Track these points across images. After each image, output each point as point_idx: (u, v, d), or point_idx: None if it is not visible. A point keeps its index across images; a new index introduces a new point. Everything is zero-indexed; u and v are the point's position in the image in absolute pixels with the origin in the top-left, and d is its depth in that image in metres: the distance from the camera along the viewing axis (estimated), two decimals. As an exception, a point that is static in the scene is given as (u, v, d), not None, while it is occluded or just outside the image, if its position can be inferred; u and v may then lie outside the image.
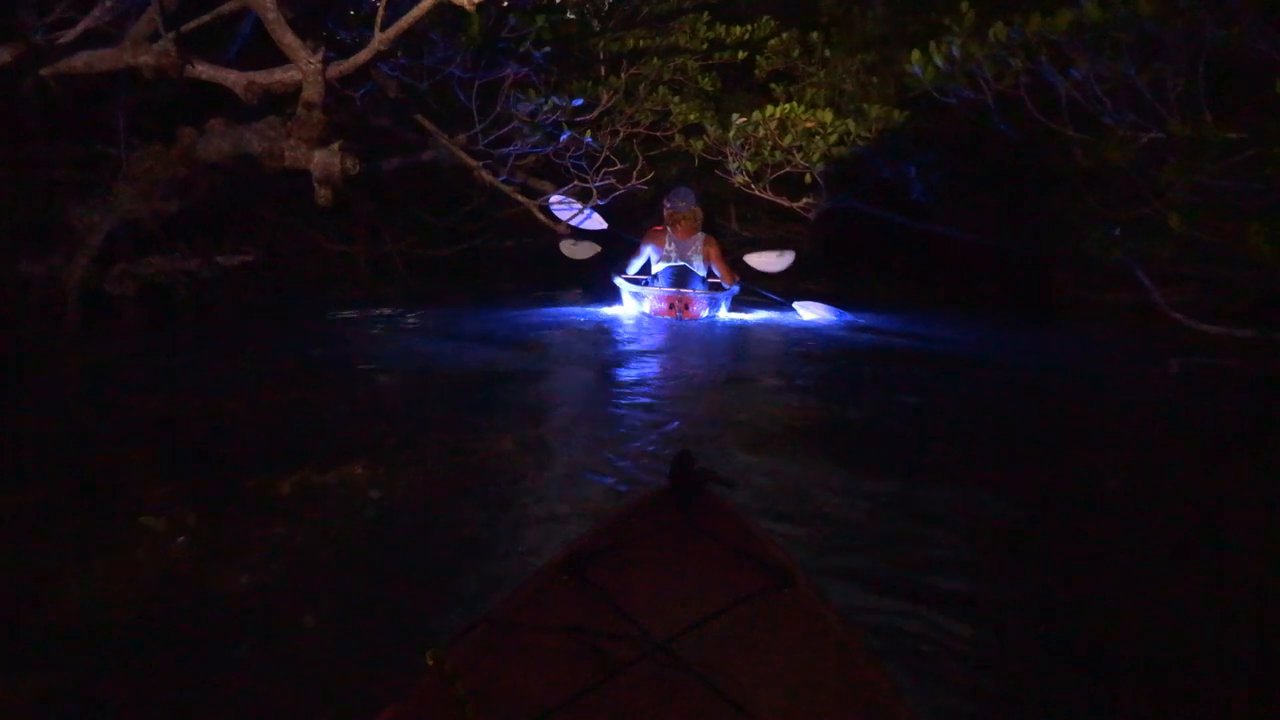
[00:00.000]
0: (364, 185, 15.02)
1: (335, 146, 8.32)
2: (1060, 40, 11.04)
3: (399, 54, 10.06)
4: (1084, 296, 13.80)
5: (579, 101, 14.15)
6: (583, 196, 13.44)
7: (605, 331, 11.77)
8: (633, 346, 10.56)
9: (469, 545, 3.94)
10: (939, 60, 11.88)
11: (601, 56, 15.55)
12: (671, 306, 12.34)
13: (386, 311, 12.85)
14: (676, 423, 6.23)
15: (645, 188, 13.72)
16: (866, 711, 1.74)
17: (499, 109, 12.75)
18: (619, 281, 13.66)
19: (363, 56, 8.29)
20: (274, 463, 4.85)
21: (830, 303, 13.57)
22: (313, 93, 8.12)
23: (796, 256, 14.91)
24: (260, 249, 11.69)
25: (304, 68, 8.04)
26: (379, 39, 8.14)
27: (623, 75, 15.08)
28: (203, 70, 8.16)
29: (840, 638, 1.98)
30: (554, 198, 13.76)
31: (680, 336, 11.47)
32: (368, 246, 15.75)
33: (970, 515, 4.53)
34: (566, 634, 1.92)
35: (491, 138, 13.49)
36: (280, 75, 8.21)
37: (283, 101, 9.49)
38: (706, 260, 13.60)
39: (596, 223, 13.85)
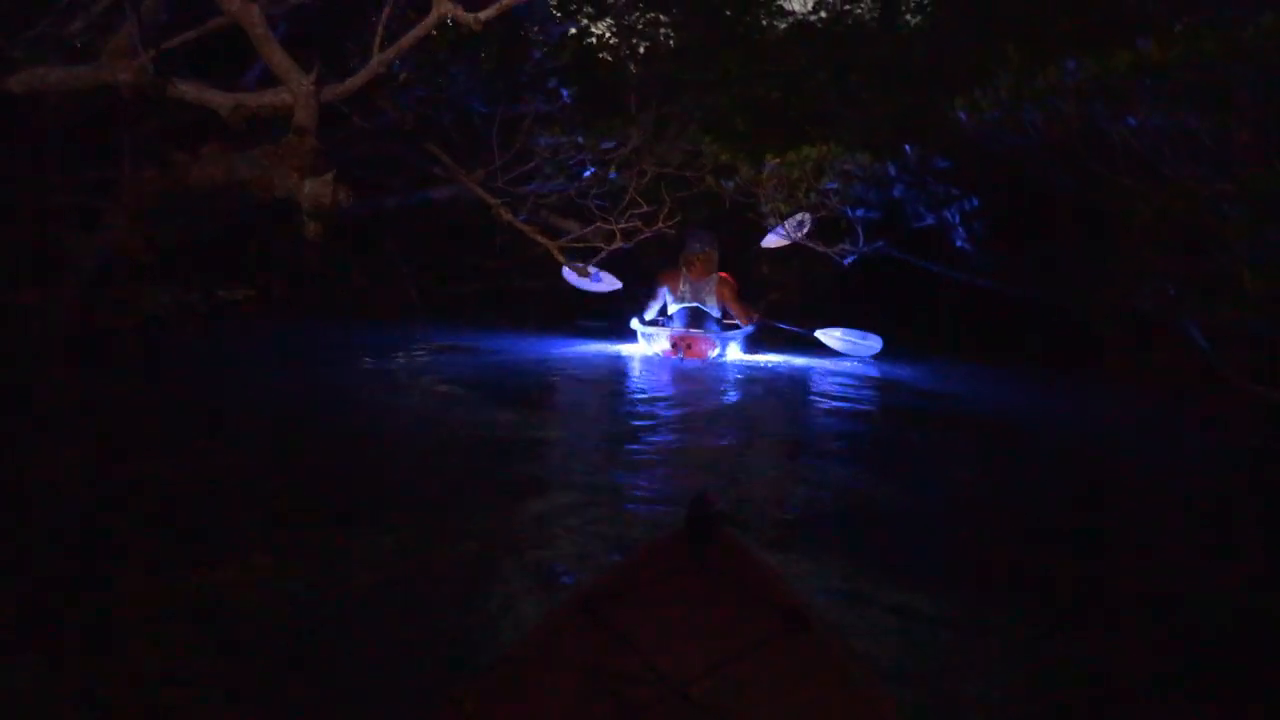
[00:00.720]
0: (385, 220, 14.29)
1: (329, 176, 7.47)
2: (1117, 85, 10.00)
3: (410, 80, 9.11)
4: (1132, 355, 12.57)
5: (611, 144, 13.32)
6: (607, 238, 12.53)
7: (617, 374, 11.37)
8: (642, 396, 9.87)
9: (485, 586, 3.83)
10: (985, 105, 10.88)
11: (632, 93, 14.66)
12: (675, 347, 12.14)
13: (398, 357, 11.93)
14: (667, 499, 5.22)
15: (672, 230, 12.85)
16: None
17: (518, 145, 11.95)
18: (634, 324, 13.28)
19: (360, 79, 7.46)
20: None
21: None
22: (305, 117, 7.29)
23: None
24: (261, 284, 10.95)
25: (295, 90, 7.21)
26: (377, 60, 7.31)
27: (653, 111, 14.21)
28: (186, 90, 7.34)
29: (857, 681, 1.96)
30: (565, 271, 13.06)
31: (689, 382, 10.90)
32: (388, 281, 14.94)
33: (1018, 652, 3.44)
34: (584, 675, 1.90)
35: (512, 174, 12.69)
36: (270, 98, 7.39)
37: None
38: (720, 300, 13.25)
39: (610, 283, 13.36)
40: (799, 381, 11.65)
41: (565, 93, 12.08)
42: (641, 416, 8.44)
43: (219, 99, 7.38)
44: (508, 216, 11.81)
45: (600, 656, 1.94)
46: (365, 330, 13.11)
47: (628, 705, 1.78)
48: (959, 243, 13.49)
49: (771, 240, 14.27)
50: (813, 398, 10.43)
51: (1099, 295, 12.63)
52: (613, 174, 12.55)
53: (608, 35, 21.29)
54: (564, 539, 4.47)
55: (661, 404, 9.34)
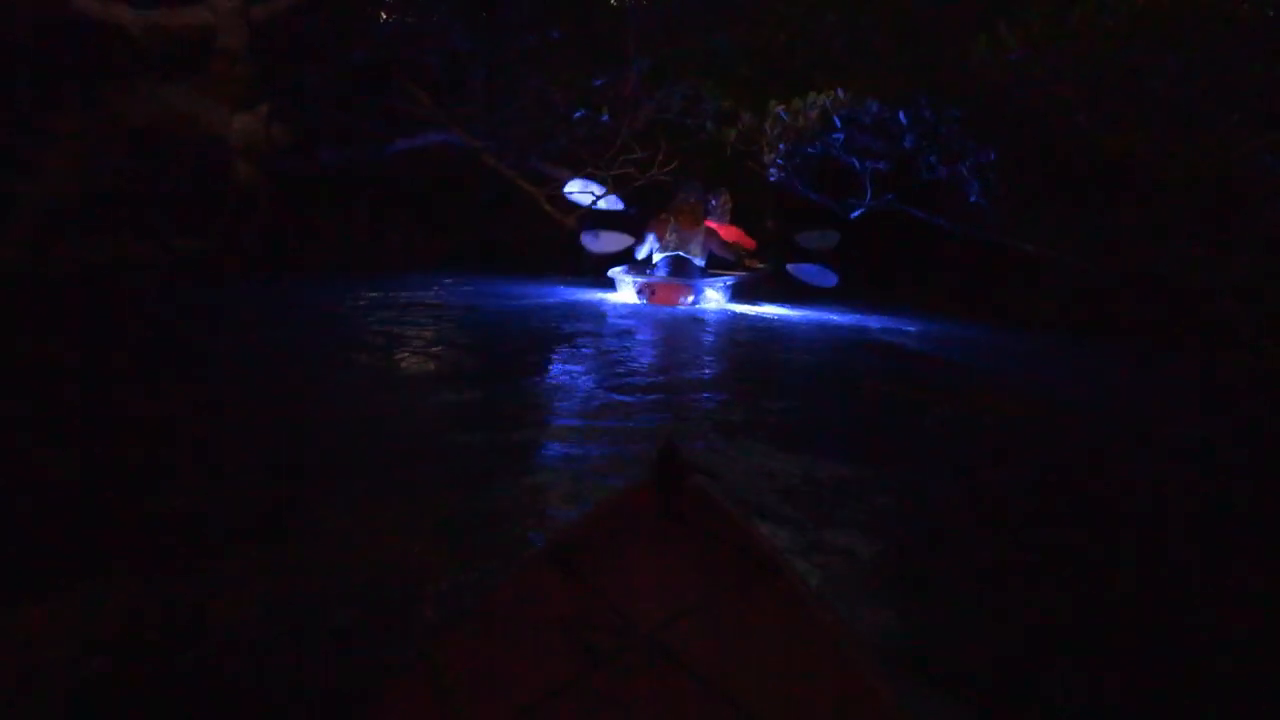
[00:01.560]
0: (365, 169, 12.95)
1: (262, 110, 6.18)
2: (1160, 25, 8.62)
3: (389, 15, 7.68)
4: (1151, 318, 11.23)
5: (600, 82, 11.95)
6: (599, 184, 11.22)
7: (593, 320, 10.54)
8: (610, 345, 9.05)
9: (450, 532, 3.61)
10: (1011, 44, 9.46)
11: (630, 35, 13.14)
12: (644, 292, 11.76)
13: (374, 296, 10.65)
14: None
15: (667, 178, 11.55)
16: (852, 696, 1.71)
17: (502, 84, 10.61)
18: (611, 272, 12.64)
19: (293, -5, 6.14)
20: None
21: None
22: (231, 38, 5.99)
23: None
24: (228, 237, 9.64)
25: (216, 5, 5.90)
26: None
27: (651, 52, 12.78)
28: (88, 5, 6.02)
29: (825, 624, 1.91)
30: (570, 185, 11.97)
31: (651, 330, 10.12)
32: (372, 232, 13.64)
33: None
34: (552, 625, 1.87)
35: (498, 117, 11.36)
36: (189, 16, 6.07)
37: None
38: (708, 249, 12.69)
39: (613, 203, 12.45)
40: (771, 330, 10.70)
41: (554, 31, 10.67)
42: (612, 364, 7.80)
43: (128, 17, 6.03)
44: (493, 162, 10.49)
45: (570, 606, 1.92)
46: (337, 287, 11.77)
47: (597, 653, 1.77)
48: (973, 198, 12.11)
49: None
50: (785, 348, 9.48)
51: (1119, 256, 11.29)
52: (604, 116, 11.20)
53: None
54: (531, 489, 4.17)
55: (622, 353, 8.67)
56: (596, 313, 11.24)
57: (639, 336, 9.74)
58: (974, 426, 6.42)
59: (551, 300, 11.96)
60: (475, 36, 11.37)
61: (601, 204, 12.15)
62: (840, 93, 12.47)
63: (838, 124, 12.09)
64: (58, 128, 7.43)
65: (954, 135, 11.59)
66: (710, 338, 10.29)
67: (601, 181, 10.98)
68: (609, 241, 12.54)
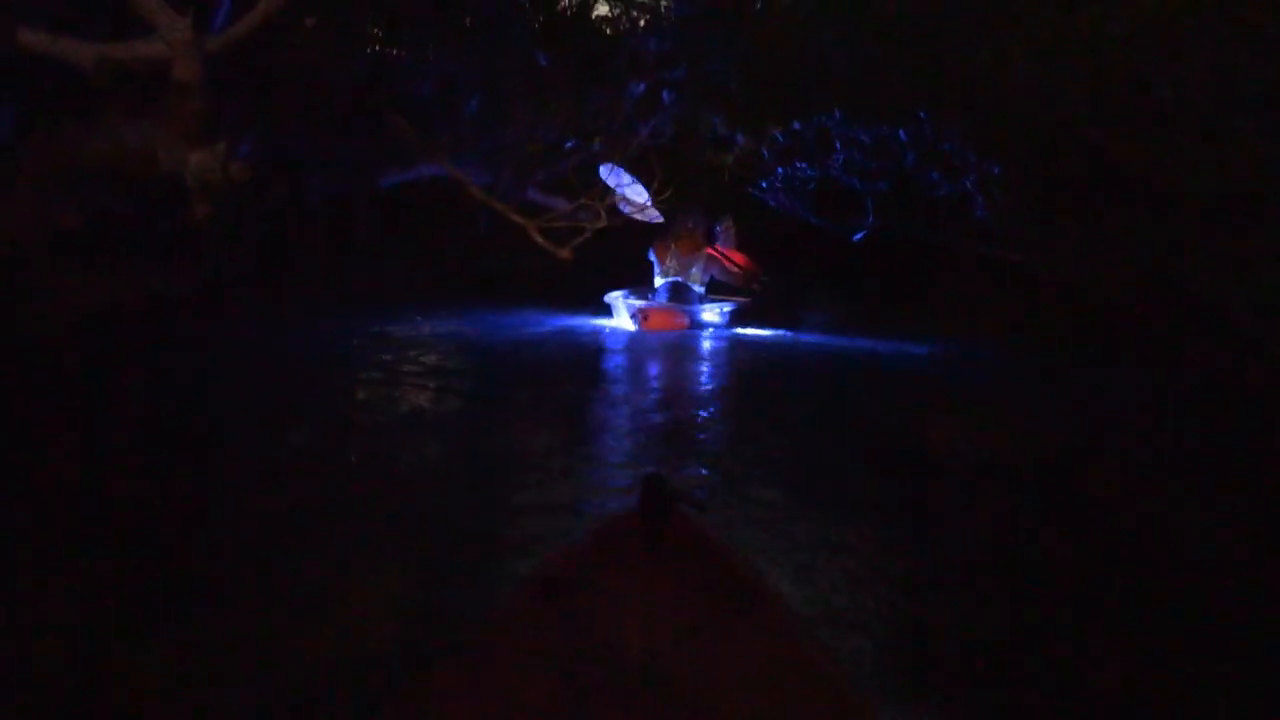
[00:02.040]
0: (357, 202, 12.43)
1: (219, 147, 5.65)
2: (1175, 29, 8.04)
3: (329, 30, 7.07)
4: (1175, 338, 10.49)
5: (592, 103, 11.43)
6: (590, 217, 10.65)
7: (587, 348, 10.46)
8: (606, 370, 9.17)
9: (438, 567, 3.61)
10: (1015, 54, 8.89)
11: (625, 62, 12.52)
12: (643, 320, 11.58)
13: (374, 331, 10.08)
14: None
15: (664, 206, 11.04)
16: None
17: (488, 112, 10.08)
18: (607, 298, 12.54)
19: (250, 21, 5.60)
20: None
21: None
22: (185, 70, 5.46)
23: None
24: (209, 276, 9.14)
25: (169, 36, 5.39)
26: (268, -3, 5.46)
27: (647, 78, 12.21)
28: (38, 41, 5.50)
29: (810, 651, 1.87)
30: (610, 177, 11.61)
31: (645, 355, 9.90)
32: (367, 264, 13.06)
33: None
34: (541, 657, 1.84)
35: (487, 147, 10.85)
36: (143, 48, 5.55)
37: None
38: (708, 274, 12.76)
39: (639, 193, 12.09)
40: (774, 357, 10.38)
41: (542, 57, 10.16)
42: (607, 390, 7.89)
43: (80, 50, 5.50)
44: (481, 195, 9.97)
45: (557, 638, 1.91)
46: (331, 325, 11.23)
47: (586, 685, 1.76)
48: (978, 212, 11.46)
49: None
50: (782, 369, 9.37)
51: (1132, 270, 10.63)
52: (596, 145, 10.67)
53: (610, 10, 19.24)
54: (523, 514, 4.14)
55: (621, 379, 8.74)
56: (594, 343, 10.74)
57: (636, 369, 9.24)
58: (987, 484, 5.74)
59: (549, 330, 11.46)
60: (465, 63, 10.86)
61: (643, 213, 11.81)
62: (838, 114, 11.93)
63: (837, 146, 11.55)
64: (9, 168, 6.91)
65: (957, 150, 10.99)
66: (707, 367, 9.75)
67: (593, 211, 10.42)
68: (629, 188, 11.81)
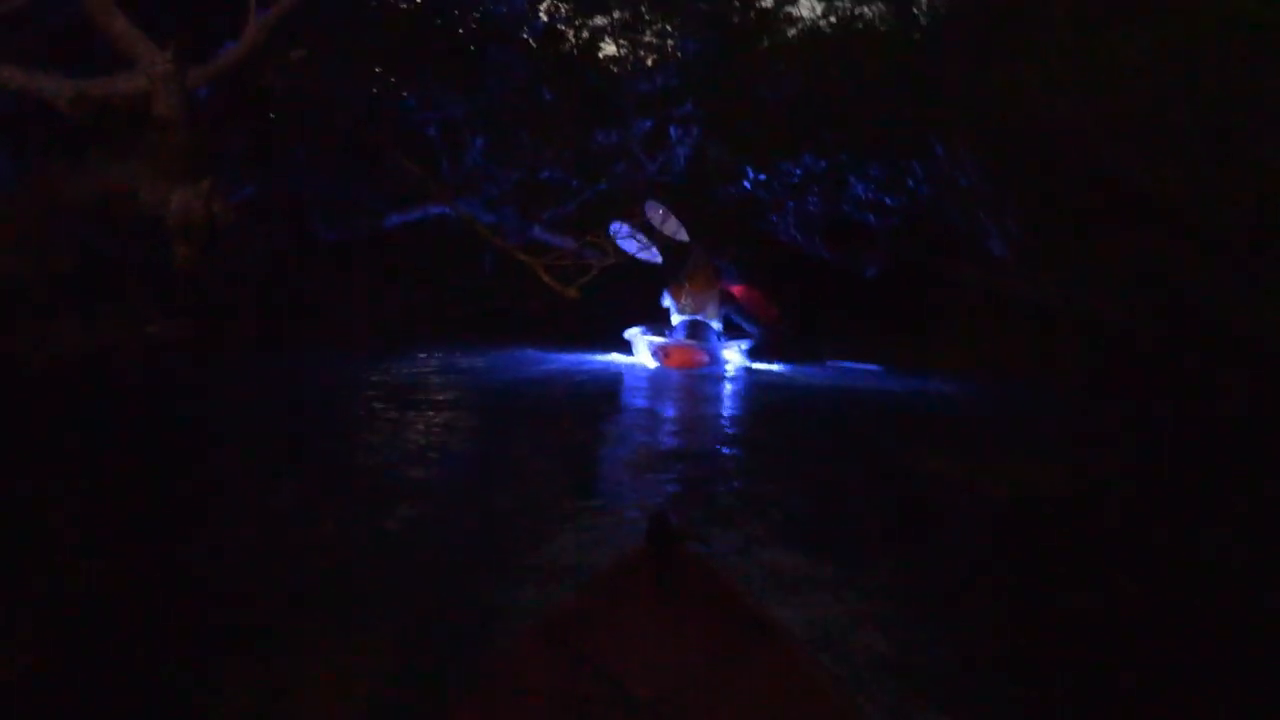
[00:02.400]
0: (360, 242, 12.08)
1: (203, 185, 5.26)
2: (1201, 51, 7.64)
3: (309, 61, 6.70)
4: (1204, 371, 9.89)
5: (599, 139, 11.09)
6: (597, 255, 10.27)
7: (608, 383, 10.15)
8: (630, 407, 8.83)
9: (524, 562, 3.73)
10: (1029, 81, 8.50)
11: (631, 98, 12.18)
12: (664, 357, 11.41)
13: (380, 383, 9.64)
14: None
15: (659, 255, 10.66)
16: None
17: (493, 150, 9.74)
18: (627, 334, 12.26)
19: (236, 53, 5.25)
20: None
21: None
22: (166, 105, 5.09)
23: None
24: (204, 316, 8.75)
25: (149, 70, 5.04)
26: (256, 25, 5.10)
27: (655, 114, 11.90)
28: (12, 76, 5.14)
29: (820, 685, 1.85)
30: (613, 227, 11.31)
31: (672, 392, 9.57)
32: (373, 302, 12.65)
33: None
34: (550, 700, 1.82)
35: (495, 187, 10.49)
36: (122, 83, 5.19)
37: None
38: (723, 311, 12.57)
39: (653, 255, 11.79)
40: (794, 394, 9.98)
41: (548, 93, 9.83)
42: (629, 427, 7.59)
43: (56, 86, 5.14)
44: (485, 233, 9.59)
45: (566, 680, 1.87)
46: (336, 366, 10.79)
47: None
48: (995, 250, 10.99)
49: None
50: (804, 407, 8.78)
51: (1156, 301, 10.12)
52: (601, 185, 10.31)
53: (617, 50, 19.02)
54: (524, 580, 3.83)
55: (643, 415, 8.45)
56: (611, 381, 10.29)
57: (655, 408, 8.76)
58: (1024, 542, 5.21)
59: (556, 368, 11.02)
60: (472, 102, 10.55)
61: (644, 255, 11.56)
62: (847, 148, 11.55)
63: (850, 179, 11.15)
64: (4, 210, 6.56)
65: (972, 183, 10.57)
66: (724, 409, 9.28)
67: (600, 249, 10.06)
68: (670, 224, 11.42)
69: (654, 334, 11.83)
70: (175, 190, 5.20)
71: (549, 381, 10.08)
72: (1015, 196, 10.13)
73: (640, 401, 9.19)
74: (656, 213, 11.52)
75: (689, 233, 11.53)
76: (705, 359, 11.50)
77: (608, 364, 11.49)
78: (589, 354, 12.09)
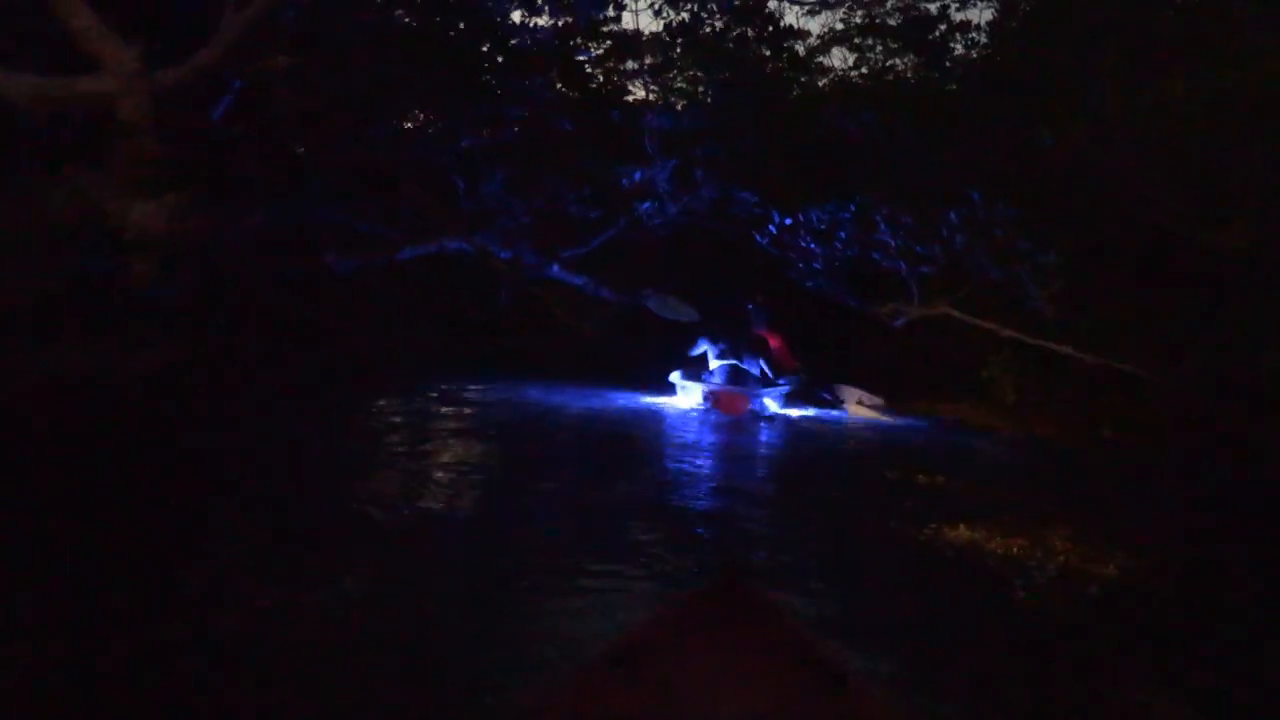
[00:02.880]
0: (370, 274, 11.49)
1: (168, 199, 4.65)
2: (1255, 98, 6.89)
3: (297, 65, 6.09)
4: (1260, 437, 8.96)
5: (625, 181, 10.47)
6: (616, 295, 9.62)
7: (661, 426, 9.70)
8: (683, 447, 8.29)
9: (514, 637, 3.38)
10: (1077, 128, 7.76)
11: (654, 135, 11.54)
12: (714, 402, 11.12)
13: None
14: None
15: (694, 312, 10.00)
16: None
17: (512, 182, 9.14)
18: (672, 377, 11.85)
19: (209, 55, 4.67)
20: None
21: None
22: (133, 109, 4.52)
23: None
24: (193, 342, 8.15)
25: (116, 70, 4.46)
26: (228, 25, 4.51)
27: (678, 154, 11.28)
28: (-35, 76, 4.58)
29: None
30: (650, 301, 11.68)
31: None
32: (385, 334, 12.01)
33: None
34: None
35: (512, 222, 9.90)
36: (87, 84, 4.63)
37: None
38: (760, 358, 12.00)
39: (689, 314, 12.15)
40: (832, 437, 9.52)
41: (568, 123, 9.26)
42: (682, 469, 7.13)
43: (14, 86, 4.55)
44: (503, 267, 8.97)
45: (632, 709, 1.81)
46: (344, 402, 10.12)
47: None
48: (1034, 303, 10.16)
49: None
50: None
51: (1206, 362, 9.27)
52: (621, 223, 9.68)
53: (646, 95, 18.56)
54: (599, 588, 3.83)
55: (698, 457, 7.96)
56: (636, 425, 9.72)
57: (682, 460, 7.97)
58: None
59: (583, 408, 10.28)
60: (494, 135, 10.00)
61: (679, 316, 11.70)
62: (878, 195, 10.84)
63: (881, 227, 10.43)
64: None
65: (1009, 234, 9.81)
66: (763, 458, 8.54)
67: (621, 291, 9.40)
68: (673, 308, 11.64)
69: (696, 379, 11.65)
70: (136, 201, 4.56)
71: (568, 425, 9.35)
72: (1056, 250, 9.33)
73: (668, 451, 8.44)
74: (661, 302, 11.54)
75: (697, 309, 11.50)
76: (749, 405, 11.36)
77: (635, 405, 10.84)
78: (614, 394, 11.40)
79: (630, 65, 15.63)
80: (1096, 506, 7.14)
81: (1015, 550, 5.37)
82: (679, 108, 17.93)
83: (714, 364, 12.04)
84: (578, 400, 10.55)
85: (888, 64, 18.99)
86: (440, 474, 6.48)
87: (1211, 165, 6.83)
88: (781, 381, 11.91)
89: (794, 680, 1.92)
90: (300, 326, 10.89)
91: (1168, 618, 4.60)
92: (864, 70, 19.17)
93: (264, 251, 10.56)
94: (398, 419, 9.07)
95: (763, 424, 10.63)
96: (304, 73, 9.03)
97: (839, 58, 19.80)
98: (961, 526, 5.76)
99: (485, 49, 10.99)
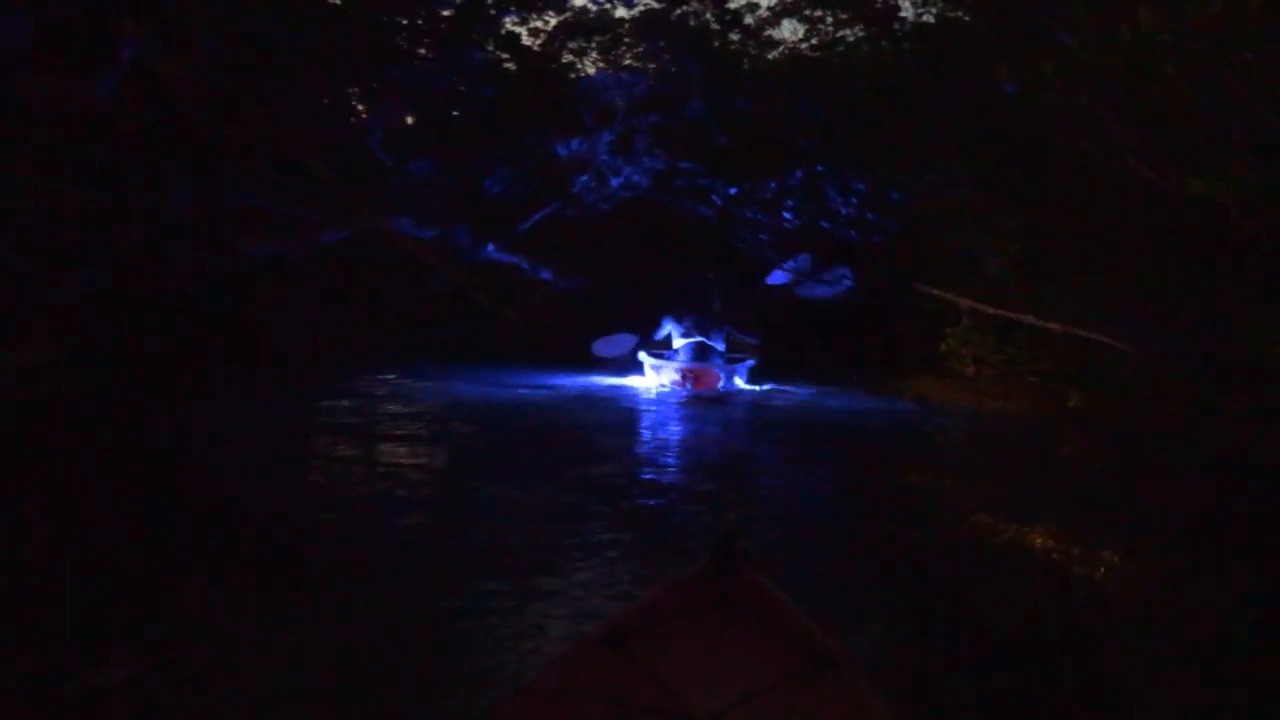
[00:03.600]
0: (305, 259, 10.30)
1: None
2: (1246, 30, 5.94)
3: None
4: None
5: (566, 149, 9.36)
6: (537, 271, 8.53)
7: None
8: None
9: (505, 610, 3.26)
10: (1049, 73, 6.72)
11: (586, 100, 10.33)
12: (683, 379, 10.77)
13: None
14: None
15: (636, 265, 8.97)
16: None
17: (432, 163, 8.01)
18: (642, 356, 11.48)
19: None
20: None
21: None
22: None
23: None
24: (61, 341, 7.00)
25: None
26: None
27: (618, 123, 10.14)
28: None
29: (880, 717, 1.72)
30: (595, 346, 11.37)
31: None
32: (316, 327, 10.76)
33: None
34: (608, 706, 1.75)
35: (441, 201, 8.76)
36: None
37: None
38: (724, 328, 11.73)
39: (627, 343, 11.75)
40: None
41: (486, 90, 8.12)
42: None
43: None
44: (415, 248, 7.85)
45: (625, 688, 1.79)
46: (272, 399, 8.94)
47: None
48: (992, 270, 9.21)
49: (775, 278, 11.85)
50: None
51: (1191, 333, 8.33)
52: (556, 202, 8.60)
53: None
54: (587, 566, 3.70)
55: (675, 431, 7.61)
56: (587, 411, 8.77)
57: (638, 450, 7.03)
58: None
59: (534, 395, 9.25)
60: (419, 110, 8.84)
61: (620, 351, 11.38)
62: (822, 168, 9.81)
63: (830, 193, 9.43)
64: None
65: (967, 196, 8.82)
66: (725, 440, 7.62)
67: (552, 268, 8.32)
68: (617, 345, 11.51)
69: (663, 358, 11.22)
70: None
71: (514, 415, 8.31)
72: (1017, 212, 8.33)
73: (627, 440, 7.53)
74: (604, 344, 11.43)
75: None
76: (720, 382, 11.02)
77: (596, 386, 10.13)
78: (563, 378, 10.44)
79: (579, 43, 14.44)
80: (1068, 494, 6.22)
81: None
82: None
83: (678, 343, 11.80)
84: (530, 386, 9.55)
85: (839, 34, 17.96)
86: (356, 487, 5.45)
87: (1199, 105, 5.84)
88: (746, 356, 11.57)
89: (782, 661, 1.87)
90: (213, 319, 9.69)
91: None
92: (814, 42, 18.15)
93: (174, 239, 9.40)
94: (313, 421, 7.94)
95: (725, 401, 10.11)
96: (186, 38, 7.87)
97: (789, 29, 18.76)
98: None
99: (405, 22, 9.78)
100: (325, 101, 8.98)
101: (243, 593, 3.64)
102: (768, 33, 18.60)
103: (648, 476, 6.13)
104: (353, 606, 3.56)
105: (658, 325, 11.87)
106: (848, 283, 11.14)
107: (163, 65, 7.74)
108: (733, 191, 10.08)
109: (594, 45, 13.86)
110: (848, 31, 17.98)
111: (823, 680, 1.81)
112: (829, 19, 18.34)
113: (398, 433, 7.31)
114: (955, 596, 3.95)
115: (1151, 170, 6.38)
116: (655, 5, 13.67)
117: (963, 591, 4.04)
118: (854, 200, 9.39)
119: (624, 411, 8.82)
